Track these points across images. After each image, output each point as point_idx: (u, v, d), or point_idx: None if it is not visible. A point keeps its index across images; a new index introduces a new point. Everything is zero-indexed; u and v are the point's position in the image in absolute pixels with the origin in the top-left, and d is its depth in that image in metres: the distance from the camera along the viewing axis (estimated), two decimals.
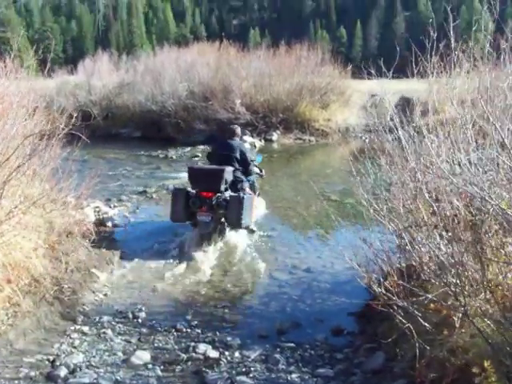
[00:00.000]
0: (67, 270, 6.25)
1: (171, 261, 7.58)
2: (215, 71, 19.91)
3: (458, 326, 4.14)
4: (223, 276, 7.11)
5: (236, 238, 8.36)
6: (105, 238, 8.03)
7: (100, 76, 19.88)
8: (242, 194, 7.86)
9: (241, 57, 20.48)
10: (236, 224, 7.90)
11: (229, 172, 7.96)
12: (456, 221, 3.84)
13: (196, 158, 15.81)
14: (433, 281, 4.41)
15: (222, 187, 7.83)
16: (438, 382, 3.74)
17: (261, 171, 9.19)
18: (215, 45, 21.15)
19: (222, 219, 8.03)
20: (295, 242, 8.54)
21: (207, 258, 7.59)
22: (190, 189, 8.00)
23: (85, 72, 21.68)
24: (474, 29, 6.11)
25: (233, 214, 7.72)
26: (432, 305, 4.22)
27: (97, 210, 9.07)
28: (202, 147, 17.43)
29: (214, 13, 78.57)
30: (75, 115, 6.34)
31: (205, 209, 7.69)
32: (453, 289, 3.51)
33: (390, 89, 23.59)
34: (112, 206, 10.01)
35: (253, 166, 8.70)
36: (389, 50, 76.78)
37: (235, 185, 8.26)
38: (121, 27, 70.52)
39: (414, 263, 5.12)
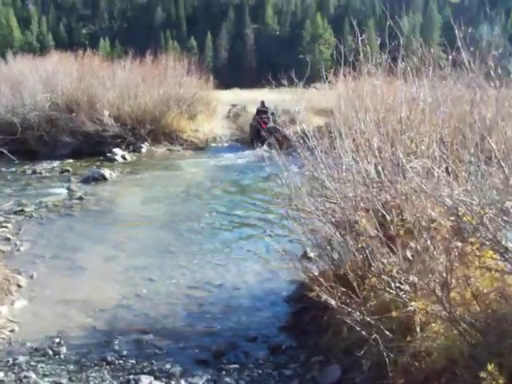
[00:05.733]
0: None
1: (72, 283, 7.03)
2: (79, 81, 18.93)
3: (418, 331, 4.18)
4: (135, 299, 6.64)
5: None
6: None
7: None
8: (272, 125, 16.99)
9: (106, 66, 19.66)
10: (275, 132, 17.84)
11: (270, 118, 18.51)
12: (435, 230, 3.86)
13: (67, 173, 14.87)
14: (387, 289, 4.41)
15: (268, 123, 16.25)
16: None
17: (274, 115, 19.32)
18: (78, 54, 20.07)
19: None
20: (197, 257, 8.24)
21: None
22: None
23: None
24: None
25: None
26: (394, 312, 4.20)
27: None
28: (70, 161, 16.45)
29: (61, 21, 74.91)
30: None
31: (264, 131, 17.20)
32: (438, 294, 3.51)
33: (245, 98, 24.53)
34: None
35: (272, 115, 19.37)
36: (238, 61, 79.04)
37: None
38: None
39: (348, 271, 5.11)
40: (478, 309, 3.69)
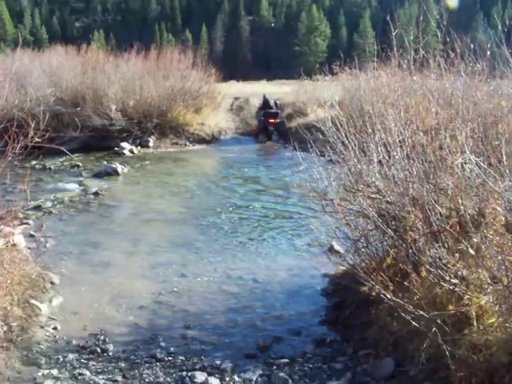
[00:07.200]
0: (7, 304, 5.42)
1: (103, 280, 7.02)
2: (83, 75, 18.78)
3: (475, 324, 4.19)
4: (170, 295, 6.62)
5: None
6: (23, 261, 7.13)
7: None
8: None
9: (112, 60, 19.53)
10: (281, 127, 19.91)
11: (278, 114, 20.38)
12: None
13: (77, 168, 14.80)
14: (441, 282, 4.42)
15: (276, 119, 19.94)
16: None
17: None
18: (81, 47, 19.94)
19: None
20: (224, 252, 8.23)
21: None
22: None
23: None
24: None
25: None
26: (450, 306, 4.21)
27: None
28: (78, 155, 16.34)
29: (55, 14, 74.28)
30: None
31: (272, 126, 19.87)
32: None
33: (244, 91, 24.43)
34: (11, 225, 8.96)
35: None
36: (234, 53, 78.33)
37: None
38: None
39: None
40: None
